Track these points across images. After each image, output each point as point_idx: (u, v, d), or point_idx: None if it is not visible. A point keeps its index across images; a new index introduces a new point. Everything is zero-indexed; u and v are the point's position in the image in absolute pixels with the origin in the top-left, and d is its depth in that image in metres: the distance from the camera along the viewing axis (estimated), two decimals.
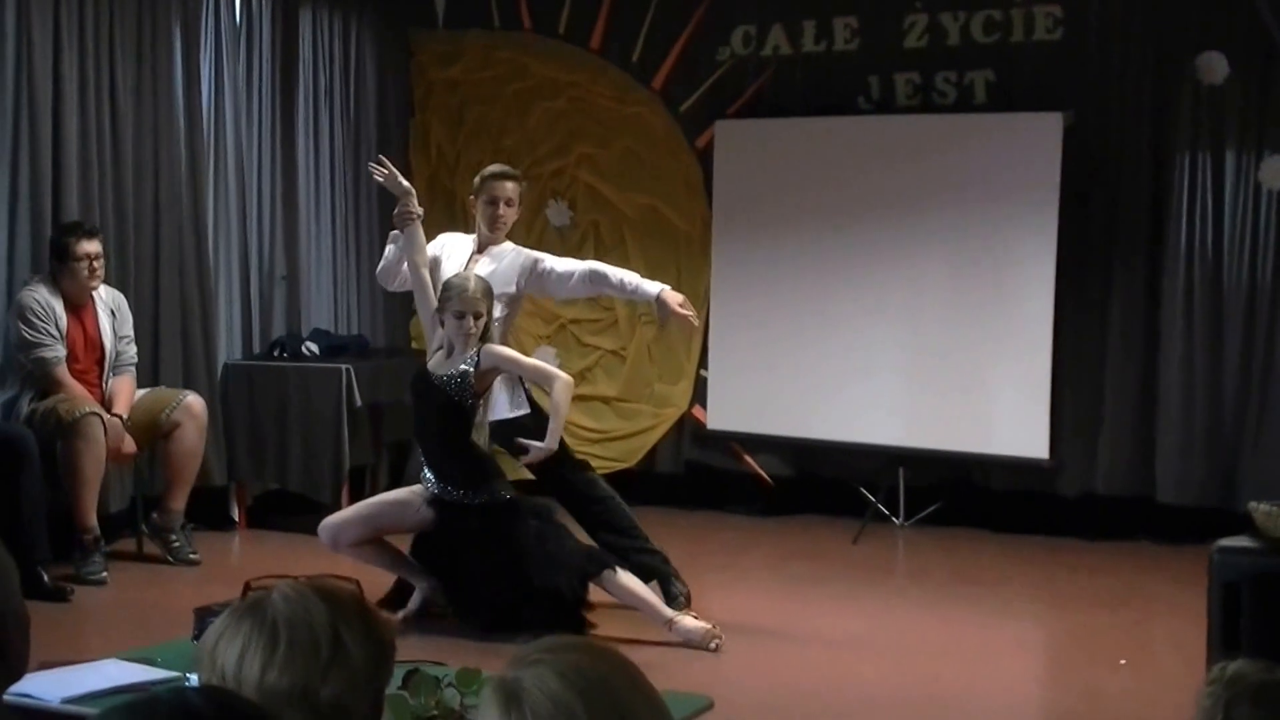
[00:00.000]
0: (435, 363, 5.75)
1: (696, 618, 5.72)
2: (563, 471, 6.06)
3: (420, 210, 5.97)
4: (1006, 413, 7.44)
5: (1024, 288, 7.37)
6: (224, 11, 7.70)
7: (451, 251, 6.19)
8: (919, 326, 7.61)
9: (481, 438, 5.78)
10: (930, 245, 7.56)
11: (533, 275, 6.11)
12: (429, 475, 5.78)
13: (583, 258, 8.39)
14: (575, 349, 8.55)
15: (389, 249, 6.15)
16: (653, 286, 6.07)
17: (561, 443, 6.02)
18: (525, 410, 6.11)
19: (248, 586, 2.74)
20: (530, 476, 6.20)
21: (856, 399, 7.75)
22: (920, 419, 7.61)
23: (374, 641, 1.87)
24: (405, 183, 5.95)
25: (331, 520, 5.92)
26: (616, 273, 6.16)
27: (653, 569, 6.09)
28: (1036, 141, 7.34)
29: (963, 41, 7.68)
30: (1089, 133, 7.38)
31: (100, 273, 6.63)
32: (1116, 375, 7.41)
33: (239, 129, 7.82)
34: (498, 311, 5.90)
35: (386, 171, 5.96)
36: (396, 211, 5.95)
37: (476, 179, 6.26)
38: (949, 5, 7.68)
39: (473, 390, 5.64)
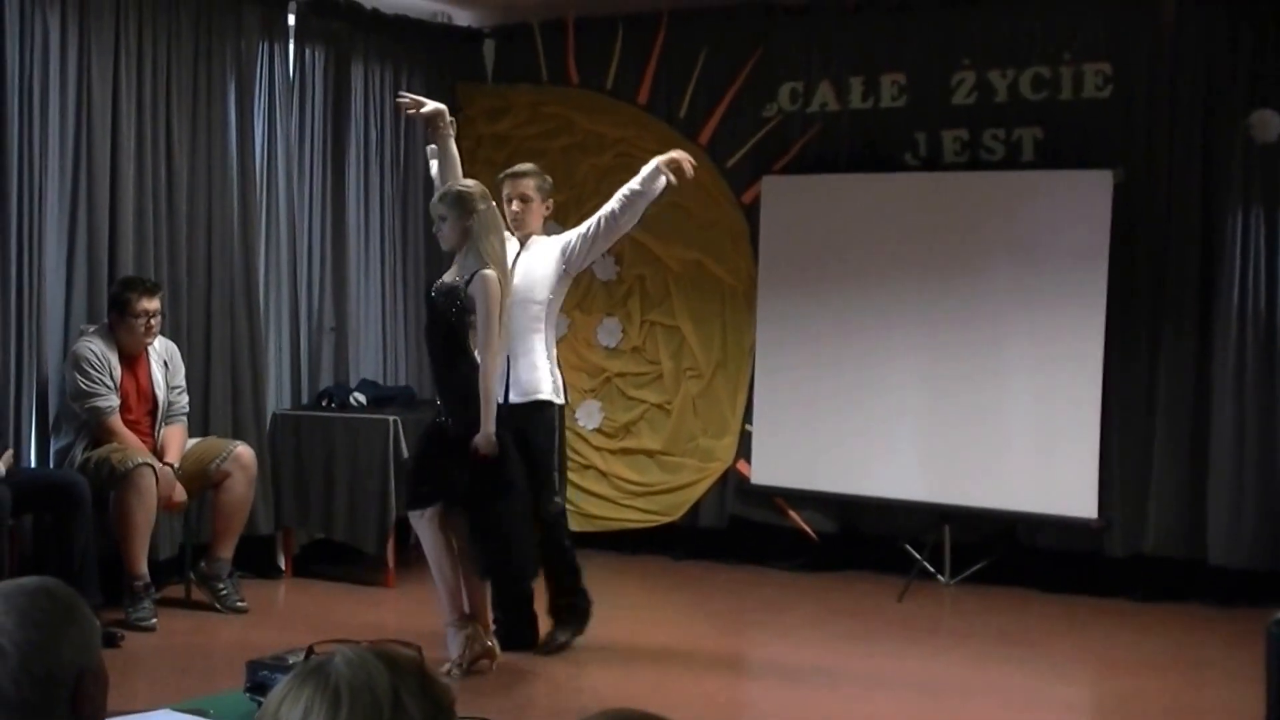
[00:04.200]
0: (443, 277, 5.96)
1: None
2: (538, 500, 6.15)
3: (451, 122, 6.25)
4: (1054, 471, 7.40)
5: (1072, 345, 7.36)
6: (278, 66, 7.81)
7: None
8: (966, 383, 7.60)
9: None
10: (978, 302, 7.56)
11: (565, 258, 6.28)
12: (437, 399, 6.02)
13: (627, 312, 8.53)
14: (620, 402, 8.57)
15: (431, 164, 6.39)
16: (647, 168, 6.20)
17: (546, 470, 6.20)
18: (561, 401, 6.29)
19: (310, 650, 2.76)
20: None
21: (902, 455, 7.74)
22: (967, 476, 7.59)
23: (434, 705, 1.88)
24: (432, 104, 6.23)
25: None
26: (617, 199, 6.26)
27: (573, 617, 6.30)
28: (1085, 199, 7.33)
29: (1011, 98, 7.69)
30: (1138, 191, 7.37)
31: (156, 329, 6.73)
32: (1166, 435, 7.36)
33: (291, 182, 7.91)
34: (542, 295, 6.16)
35: (409, 100, 6.25)
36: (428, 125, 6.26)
37: None
38: (997, 62, 7.71)
39: (460, 303, 5.76)
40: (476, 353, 5.78)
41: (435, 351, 6.00)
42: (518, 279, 6.22)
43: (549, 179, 6.52)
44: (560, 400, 6.31)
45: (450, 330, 5.81)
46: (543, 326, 6.23)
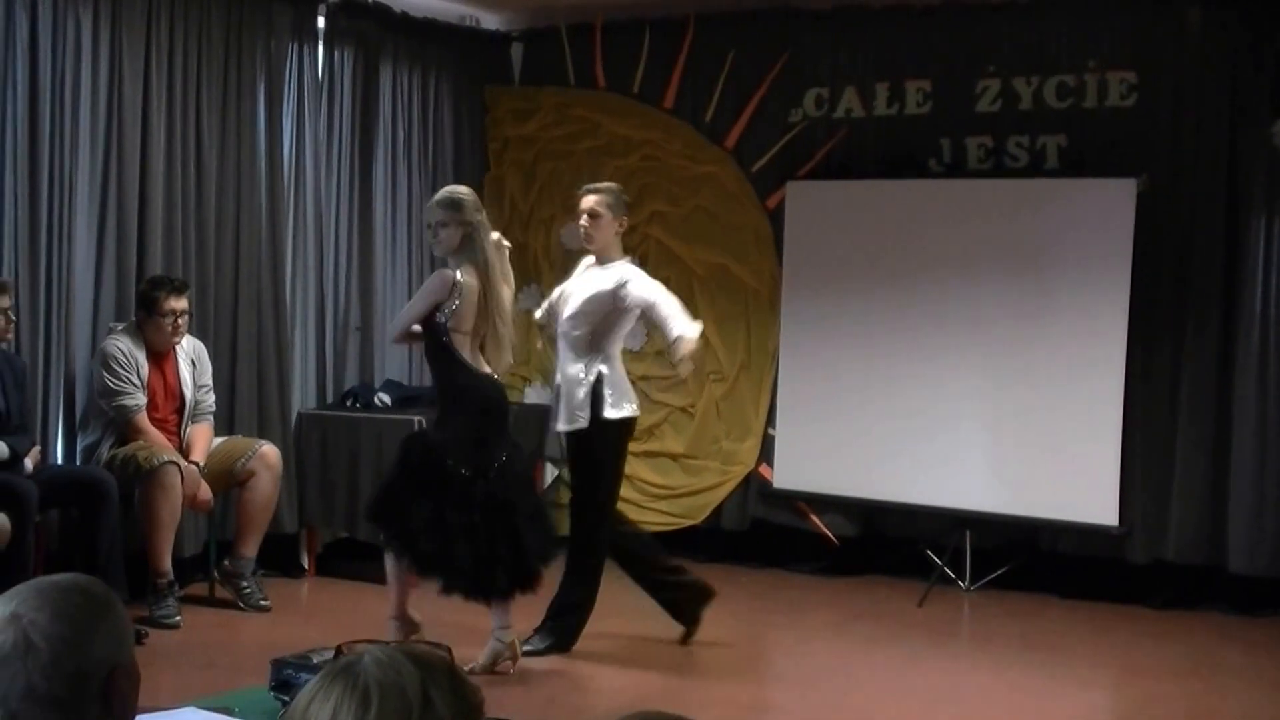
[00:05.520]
0: None
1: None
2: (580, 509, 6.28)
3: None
4: (1076, 477, 7.41)
5: (1095, 352, 7.36)
6: (307, 67, 7.85)
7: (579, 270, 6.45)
8: (988, 389, 7.61)
9: None
10: (1000, 309, 7.57)
11: (614, 299, 6.24)
12: None
13: None
14: (644, 405, 8.57)
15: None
16: (678, 327, 6.14)
17: (581, 491, 6.28)
18: (608, 417, 6.25)
19: (339, 650, 2.79)
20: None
21: (923, 460, 7.75)
22: (988, 482, 7.60)
23: (463, 705, 1.90)
24: None
25: None
26: (664, 312, 6.21)
27: (555, 632, 6.30)
28: (1109, 207, 7.34)
29: (1035, 106, 7.70)
30: (1162, 198, 7.36)
31: (184, 328, 6.77)
32: (1188, 441, 7.36)
33: (319, 182, 7.95)
34: (581, 327, 6.18)
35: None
36: None
37: None
38: (1022, 70, 7.71)
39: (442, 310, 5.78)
40: (465, 357, 5.82)
41: (431, 363, 6.08)
42: (574, 302, 6.28)
43: (625, 196, 6.48)
44: (606, 416, 6.22)
45: (438, 339, 5.85)
46: (586, 353, 6.23)
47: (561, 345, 6.35)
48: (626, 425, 6.36)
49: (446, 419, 5.90)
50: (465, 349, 5.81)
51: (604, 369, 6.24)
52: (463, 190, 6.03)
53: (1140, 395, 7.39)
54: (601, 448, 6.31)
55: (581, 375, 6.21)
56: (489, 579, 5.83)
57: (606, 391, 6.22)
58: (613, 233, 6.36)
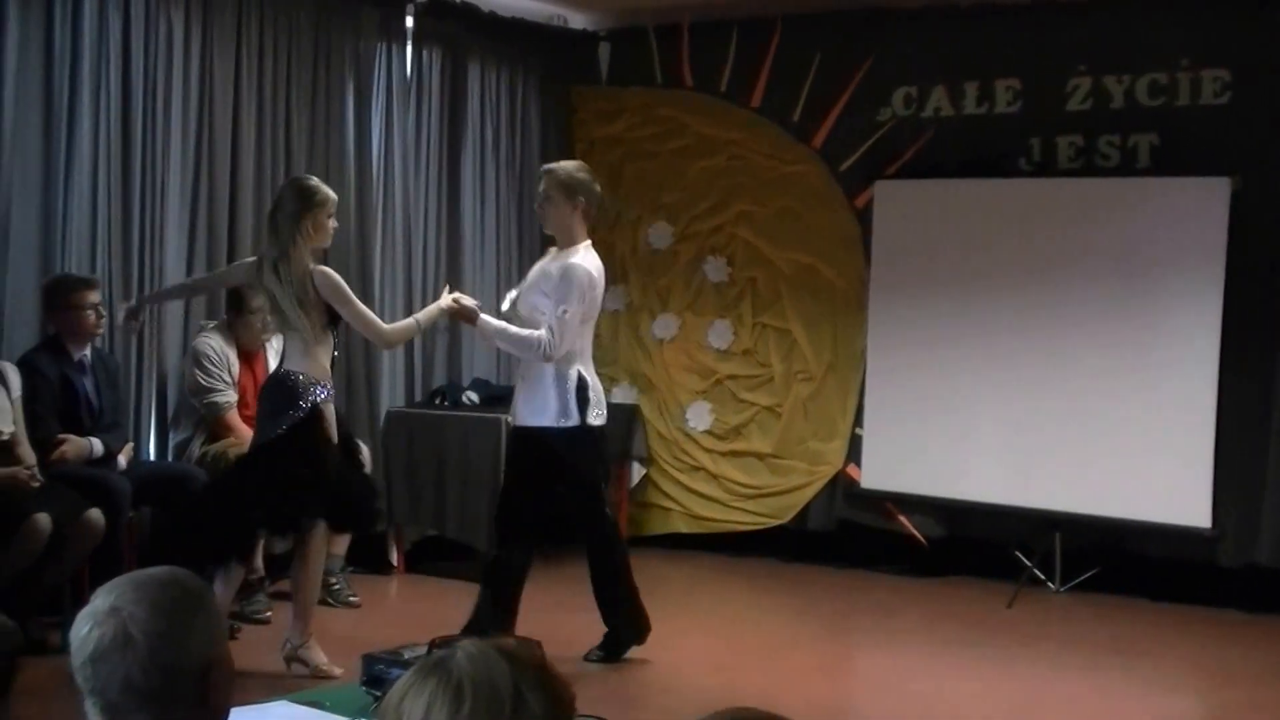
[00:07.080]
0: None
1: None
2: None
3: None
4: (1167, 479, 7.32)
5: (1187, 353, 7.26)
6: (395, 65, 7.92)
7: None
8: (1078, 390, 7.53)
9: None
10: (1091, 309, 7.48)
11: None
12: None
13: (739, 314, 8.51)
14: (730, 404, 8.58)
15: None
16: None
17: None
18: (573, 422, 5.89)
19: (433, 644, 2.81)
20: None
21: (1012, 461, 7.69)
22: (1077, 483, 7.52)
23: (555, 701, 1.91)
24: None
25: None
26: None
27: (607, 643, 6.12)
28: (1202, 206, 7.24)
29: (1127, 104, 7.61)
30: (1257, 198, 7.25)
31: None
32: None
33: (407, 179, 8.01)
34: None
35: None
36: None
37: None
38: (1113, 68, 7.62)
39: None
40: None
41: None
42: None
43: (582, 179, 5.94)
44: (568, 422, 5.88)
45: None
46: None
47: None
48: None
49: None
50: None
51: (566, 370, 5.94)
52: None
53: (1233, 396, 7.28)
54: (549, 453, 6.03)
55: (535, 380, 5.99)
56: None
57: (552, 394, 5.94)
58: (566, 220, 5.92)
